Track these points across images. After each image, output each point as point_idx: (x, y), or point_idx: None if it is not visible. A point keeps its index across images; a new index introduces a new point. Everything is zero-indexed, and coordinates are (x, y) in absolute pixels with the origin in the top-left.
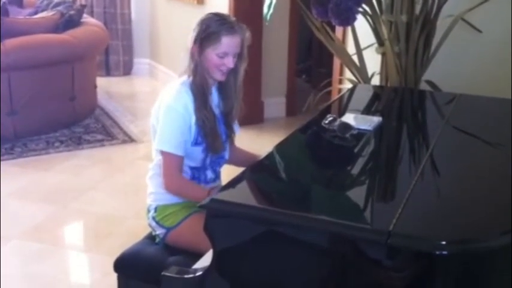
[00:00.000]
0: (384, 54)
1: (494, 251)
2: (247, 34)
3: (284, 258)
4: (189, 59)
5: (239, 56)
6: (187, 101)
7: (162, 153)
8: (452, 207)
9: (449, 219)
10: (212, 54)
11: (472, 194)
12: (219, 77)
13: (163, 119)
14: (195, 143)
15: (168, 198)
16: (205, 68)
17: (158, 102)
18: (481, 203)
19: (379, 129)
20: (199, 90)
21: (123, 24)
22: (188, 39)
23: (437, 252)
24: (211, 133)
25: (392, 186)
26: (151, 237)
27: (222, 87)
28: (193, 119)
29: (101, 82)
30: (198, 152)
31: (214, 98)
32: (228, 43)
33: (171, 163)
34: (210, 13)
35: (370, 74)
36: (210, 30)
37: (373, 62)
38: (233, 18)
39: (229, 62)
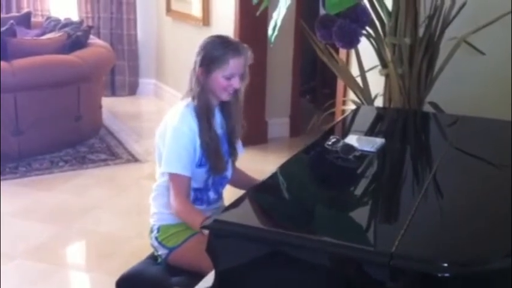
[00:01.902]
0: (387, 76)
1: (497, 272)
2: (249, 53)
3: (287, 279)
4: (194, 82)
5: (242, 76)
6: (192, 123)
7: (170, 175)
8: (455, 228)
9: (451, 240)
10: (219, 76)
11: (474, 216)
12: (225, 97)
13: (169, 141)
14: (199, 165)
15: (171, 219)
16: (212, 90)
17: (163, 124)
18: (484, 224)
19: (382, 151)
20: (203, 113)
21: (129, 45)
22: (193, 62)
23: (440, 274)
24: (215, 154)
25: (395, 208)
26: (153, 257)
27: (224, 107)
28: (198, 140)
29: (107, 102)
30: (201, 173)
31: (217, 118)
32: (235, 65)
33: (180, 184)
34: (212, 36)
35: (373, 95)
36: (216, 53)
37: (376, 83)
38: (236, 40)
39: (236, 83)
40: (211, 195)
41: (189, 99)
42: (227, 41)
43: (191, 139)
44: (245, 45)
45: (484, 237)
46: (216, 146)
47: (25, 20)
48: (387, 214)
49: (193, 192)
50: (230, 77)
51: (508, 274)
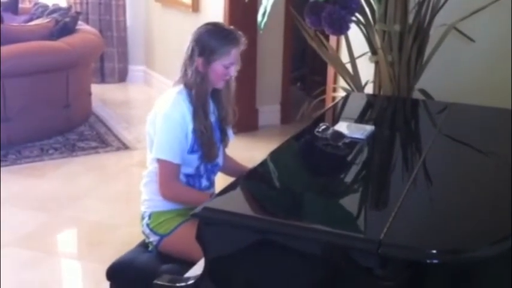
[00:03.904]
0: (377, 63)
1: (486, 260)
2: (244, 40)
3: (276, 266)
4: (193, 72)
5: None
6: (184, 110)
7: (159, 161)
8: (443, 216)
9: (440, 228)
10: (219, 65)
11: (463, 203)
12: (221, 85)
13: (160, 127)
14: (191, 151)
15: (163, 205)
16: (210, 79)
17: (154, 111)
18: (472, 212)
19: (371, 138)
20: (200, 102)
21: (118, 32)
22: (187, 50)
23: (428, 261)
24: (208, 142)
25: (384, 195)
26: (144, 245)
27: (215, 94)
28: (190, 127)
29: (96, 89)
30: (193, 159)
31: (210, 105)
32: (235, 54)
33: (168, 171)
34: (208, 25)
35: (363, 82)
36: (217, 43)
37: (366, 70)
38: (231, 28)
39: (232, 71)
40: (204, 182)
41: (181, 86)
42: (225, 30)
43: (182, 126)
44: (240, 32)
45: (473, 224)
46: (210, 134)
47: (13, 6)
48: (376, 201)
49: (186, 178)
50: (229, 65)
51: (496, 261)
